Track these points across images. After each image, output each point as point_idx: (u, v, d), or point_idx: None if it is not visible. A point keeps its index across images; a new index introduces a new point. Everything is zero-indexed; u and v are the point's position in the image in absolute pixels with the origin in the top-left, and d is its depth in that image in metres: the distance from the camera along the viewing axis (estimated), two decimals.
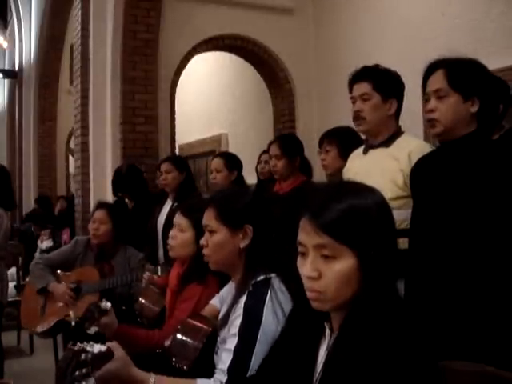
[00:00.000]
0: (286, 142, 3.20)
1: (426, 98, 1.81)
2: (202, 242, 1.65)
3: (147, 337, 2.04)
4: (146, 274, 2.57)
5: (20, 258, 5.34)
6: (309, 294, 1.08)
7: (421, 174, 1.86)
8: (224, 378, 1.41)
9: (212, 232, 1.62)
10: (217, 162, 3.46)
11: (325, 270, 1.05)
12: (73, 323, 2.53)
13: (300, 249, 1.09)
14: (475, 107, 1.70)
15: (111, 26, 4.85)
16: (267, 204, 1.71)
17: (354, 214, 1.04)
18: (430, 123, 1.78)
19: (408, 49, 4.16)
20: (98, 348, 1.30)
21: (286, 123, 5.45)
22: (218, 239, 1.61)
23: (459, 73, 1.72)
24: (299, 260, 1.10)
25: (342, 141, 2.84)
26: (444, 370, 1.18)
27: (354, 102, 2.20)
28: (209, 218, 1.63)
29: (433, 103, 1.75)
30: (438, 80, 1.74)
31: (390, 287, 1.08)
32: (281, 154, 3.04)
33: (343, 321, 1.08)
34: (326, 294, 1.05)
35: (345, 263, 1.04)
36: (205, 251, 1.65)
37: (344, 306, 1.08)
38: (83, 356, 1.27)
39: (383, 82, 2.15)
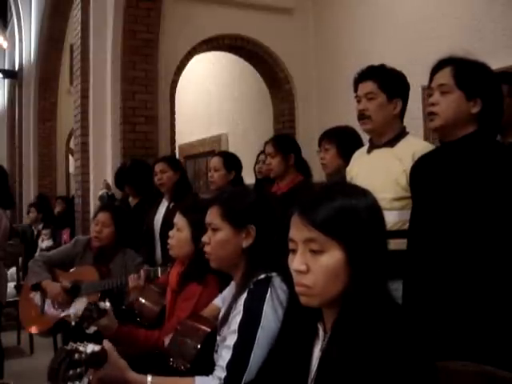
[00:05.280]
0: (280, 139, 3.28)
1: (429, 93, 1.81)
2: (204, 239, 1.66)
3: (147, 337, 2.05)
4: (131, 277, 2.56)
5: (20, 258, 5.34)
6: (297, 289, 1.10)
7: (420, 173, 1.87)
8: (223, 374, 1.41)
9: (215, 230, 1.62)
10: (215, 161, 3.46)
11: (313, 263, 1.07)
12: (73, 323, 2.53)
13: (290, 245, 1.12)
14: (477, 108, 1.70)
15: (111, 26, 4.85)
16: (271, 204, 1.71)
17: (343, 212, 1.07)
18: (429, 117, 1.79)
19: (408, 49, 4.16)
20: (91, 348, 1.29)
21: (285, 123, 5.45)
22: (220, 237, 1.61)
23: (466, 72, 1.73)
24: (290, 257, 1.12)
25: (342, 140, 2.85)
26: (444, 370, 1.18)
27: (358, 101, 2.20)
28: (213, 216, 1.64)
29: (435, 97, 1.76)
30: (445, 76, 1.75)
31: (380, 286, 1.08)
32: (275, 152, 3.07)
33: (335, 320, 1.10)
34: (313, 289, 1.07)
35: (332, 257, 1.06)
36: (206, 249, 1.66)
37: (334, 304, 1.09)
38: (77, 356, 1.26)
39: (389, 82, 2.15)
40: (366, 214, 1.09)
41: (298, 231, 1.09)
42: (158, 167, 3.60)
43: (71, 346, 1.28)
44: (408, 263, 1.77)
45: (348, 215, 1.07)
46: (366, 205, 1.10)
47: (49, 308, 3.13)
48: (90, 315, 1.94)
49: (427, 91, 1.85)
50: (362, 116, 2.18)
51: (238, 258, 1.62)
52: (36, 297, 3.19)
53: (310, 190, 1.18)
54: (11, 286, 4.69)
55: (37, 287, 3.12)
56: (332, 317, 1.11)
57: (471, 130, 1.72)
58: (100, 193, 4.64)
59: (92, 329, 1.93)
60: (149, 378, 1.42)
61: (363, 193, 1.14)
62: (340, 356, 1.02)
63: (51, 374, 1.27)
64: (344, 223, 1.06)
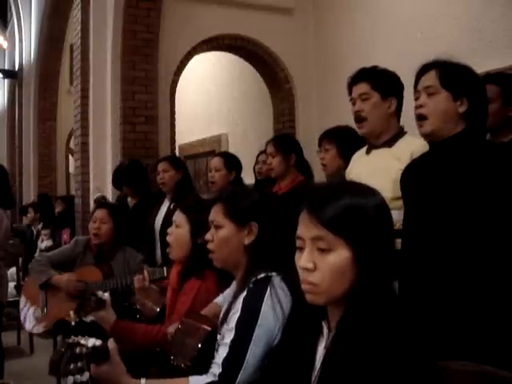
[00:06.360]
0: (281, 139, 3.29)
1: (416, 96, 1.84)
2: (208, 236, 1.68)
3: (146, 331, 2.05)
4: (136, 277, 2.57)
5: (20, 258, 5.35)
6: (303, 287, 1.10)
7: (411, 175, 1.88)
8: (218, 371, 1.42)
9: (218, 227, 1.65)
10: (216, 161, 3.47)
11: (320, 261, 1.08)
12: (73, 323, 2.53)
13: (298, 243, 1.12)
14: (463, 107, 1.73)
15: (111, 26, 4.85)
16: (273, 202, 1.73)
17: (352, 211, 1.08)
18: (418, 122, 1.81)
19: (408, 49, 4.16)
20: (92, 342, 1.30)
21: (285, 123, 5.45)
22: (223, 234, 1.63)
23: (451, 72, 1.76)
24: (297, 255, 1.13)
25: (342, 140, 2.86)
26: (444, 370, 1.18)
27: (353, 104, 2.23)
28: (216, 214, 1.66)
29: (422, 99, 1.79)
30: (430, 78, 1.78)
31: (386, 285, 1.09)
32: (276, 151, 3.08)
33: (340, 319, 1.10)
34: (320, 287, 1.08)
35: (339, 255, 1.07)
36: (210, 246, 1.67)
37: (339, 302, 1.10)
38: (78, 349, 1.26)
39: (381, 81, 2.18)
40: (375, 212, 1.10)
41: (306, 229, 1.10)
42: (161, 166, 3.61)
43: (73, 339, 1.29)
44: (402, 264, 1.78)
45: (356, 214, 1.08)
46: (374, 204, 1.11)
47: (51, 308, 3.13)
48: (88, 304, 1.95)
49: (414, 95, 1.86)
50: (358, 118, 2.20)
51: (240, 255, 1.63)
52: (41, 297, 3.19)
53: (319, 189, 1.19)
54: (11, 286, 4.69)
55: (45, 285, 3.12)
56: (337, 315, 1.12)
57: (459, 129, 1.74)
58: (95, 196, 4.69)
59: (89, 318, 1.94)
60: (142, 381, 1.42)
61: (372, 192, 1.15)
62: (344, 355, 1.03)
63: (52, 367, 1.27)
64: (352, 222, 1.07)
